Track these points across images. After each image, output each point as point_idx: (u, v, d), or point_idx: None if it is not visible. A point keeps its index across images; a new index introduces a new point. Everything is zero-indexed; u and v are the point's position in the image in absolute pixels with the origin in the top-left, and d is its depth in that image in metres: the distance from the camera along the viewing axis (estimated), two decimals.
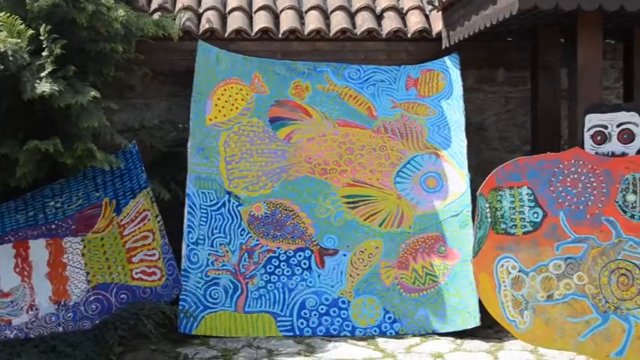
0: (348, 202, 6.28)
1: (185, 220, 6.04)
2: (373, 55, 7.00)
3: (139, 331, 5.47)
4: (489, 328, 5.82)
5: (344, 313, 5.96)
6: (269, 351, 5.54)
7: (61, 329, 5.60)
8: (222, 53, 6.61)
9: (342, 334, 5.88)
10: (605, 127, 5.41)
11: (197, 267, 5.99)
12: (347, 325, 5.92)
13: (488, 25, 5.70)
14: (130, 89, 6.94)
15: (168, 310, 5.66)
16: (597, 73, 5.56)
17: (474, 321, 5.75)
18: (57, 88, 5.43)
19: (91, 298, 5.74)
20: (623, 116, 5.40)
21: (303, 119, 6.53)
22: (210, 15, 7.06)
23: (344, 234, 6.17)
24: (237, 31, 6.93)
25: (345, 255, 6.12)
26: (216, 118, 6.40)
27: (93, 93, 5.62)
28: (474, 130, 7.05)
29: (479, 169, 6.65)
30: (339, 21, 7.06)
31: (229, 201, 6.20)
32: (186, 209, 6.07)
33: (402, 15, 7.23)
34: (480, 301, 5.45)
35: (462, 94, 6.53)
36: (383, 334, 5.87)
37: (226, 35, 6.93)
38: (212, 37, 6.88)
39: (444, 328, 5.85)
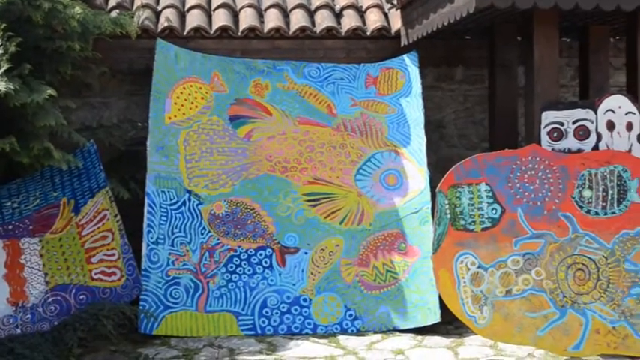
0: (309, 200, 6.28)
1: (145, 220, 6.01)
2: (333, 53, 7.02)
3: (98, 332, 5.43)
4: (450, 324, 5.87)
5: (305, 311, 5.96)
6: (230, 350, 5.53)
7: (19, 331, 5.53)
8: (181, 51, 6.58)
9: (303, 332, 5.89)
10: (562, 124, 5.49)
11: (157, 266, 5.95)
12: (308, 323, 5.93)
13: (445, 24, 5.74)
14: (87, 88, 6.86)
15: (129, 310, 5.62)
16: (553, 70, 5.64)
17: (434, 317, 5.80)
18: (12, 87, 5.35)
19: (50, 299, 5.68)
20: (578, 113, 5.49)
21: (263, 117, 6.52)
22: (169, 13, 7.02)
23: (305, 232, 6.17)
24: (196, 29, 6.89)
25: (306, 253, 6.12)
26: (175, 116, 6.37)
27: (49, 91, 5.55)
28: (433, 127, 7.10)
29: (438, 166, 6.70)
30: (298, 19, 7.06)
31: (189, 200, 6.17)
32: (146, 208, 6.03)
33: (361, 13, 7.26)
34: (440, 297, 5.50)
35: (421, 92, 6.57)
36: (344, 332, 5.89)
37: (185, 33, 6.89)
38: (171, 35, 6.84)
39: (404, 324, 5.89)
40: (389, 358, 5.29)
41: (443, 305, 5.49)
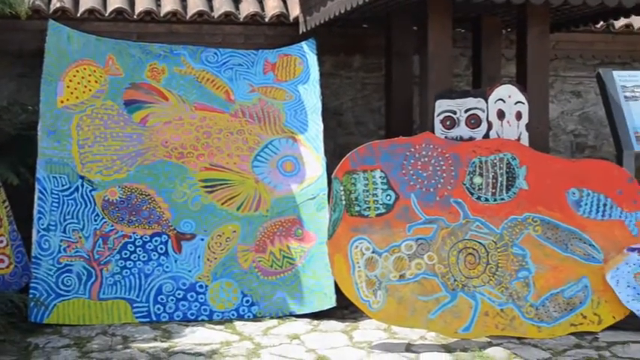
0: (206, 187, 6.23)
1: (35, 206, 5.84)
2: (231, 38, 6.98)
3: None
4: (345, 309, 5.93)
5: (201, 298, 5.93)
6: (124, 338, 5.44)
7: None
8: (74, 33, 6.40)
9: (199, 319, 5.85)
10: (454, 113, 5.62)
11: (48, 254, 5.80)
12: (205, 310, 5.89)
13: (342, 11, 5.78)
14: None
15: (17, 298, 5.46)
16: (447, 59, 5.75)
17: (329, 302, 5.85)
18: None
19: None
20: (470, 102, 5.63)
21: (160, 102, 6.42)
22: None
23: (201, 218, 6.12)
24: (90, 11, 6.73)
25: (202, 239, 6.07)
26: (68, 100, 6.20)
27: None
28: (330, 114, 7.15)
29: (335, 153, 6.77)
30: (195, 3, 6.98)
31: (82, 186, 6.03)
32: (37, 194, 5.87)
33: None
34: (335, 282, 5.55)
35: (318, 79, 6.59)
36: (241, 318, 5.88)
37: (79, 15, 6.72)
38: (63, 16, 6.65)
39: (301, 309, 5.93)
40: (285, 343, 5.32)
41: (338, 290, 5.54)
